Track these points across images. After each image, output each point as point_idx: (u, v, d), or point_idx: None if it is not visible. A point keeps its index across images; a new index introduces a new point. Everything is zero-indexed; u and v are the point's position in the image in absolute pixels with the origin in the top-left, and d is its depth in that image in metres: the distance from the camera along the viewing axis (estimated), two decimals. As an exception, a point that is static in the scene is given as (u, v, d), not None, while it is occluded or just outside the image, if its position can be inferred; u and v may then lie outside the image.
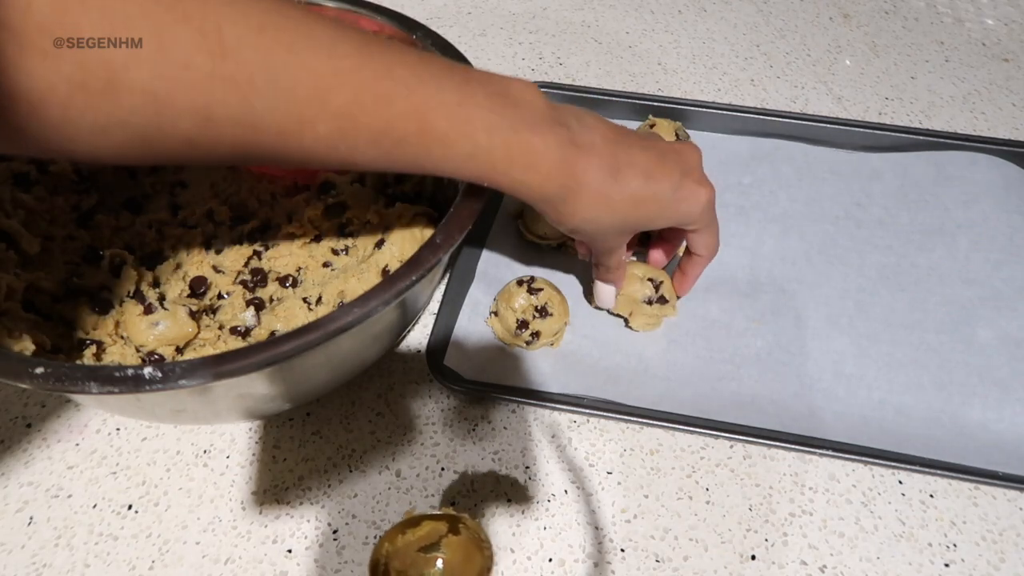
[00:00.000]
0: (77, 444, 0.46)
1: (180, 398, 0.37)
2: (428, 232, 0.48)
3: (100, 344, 0.43)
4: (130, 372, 0.32)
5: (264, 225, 0.51)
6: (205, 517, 0.43)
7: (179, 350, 0.44)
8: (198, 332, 0.44)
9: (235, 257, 0.49)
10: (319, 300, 0.46)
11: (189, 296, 0.47)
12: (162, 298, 0.45)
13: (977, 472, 0.43)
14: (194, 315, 0.45)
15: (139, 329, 0.43)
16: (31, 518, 0.43)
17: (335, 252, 0.49)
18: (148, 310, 0.43)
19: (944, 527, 0.43)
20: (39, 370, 0.32)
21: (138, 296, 0.44)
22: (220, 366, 0.32)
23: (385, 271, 0.46)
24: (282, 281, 0.48)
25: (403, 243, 0.47)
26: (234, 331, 0.46)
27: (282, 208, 0.52)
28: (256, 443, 0.46)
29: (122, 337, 0.43)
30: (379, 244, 0.48)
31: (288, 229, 0.50)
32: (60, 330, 0.42)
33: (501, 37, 0.74)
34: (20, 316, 0.42)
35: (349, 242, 0.49)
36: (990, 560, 0.42)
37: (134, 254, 0.48)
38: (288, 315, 0.45)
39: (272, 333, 0.45)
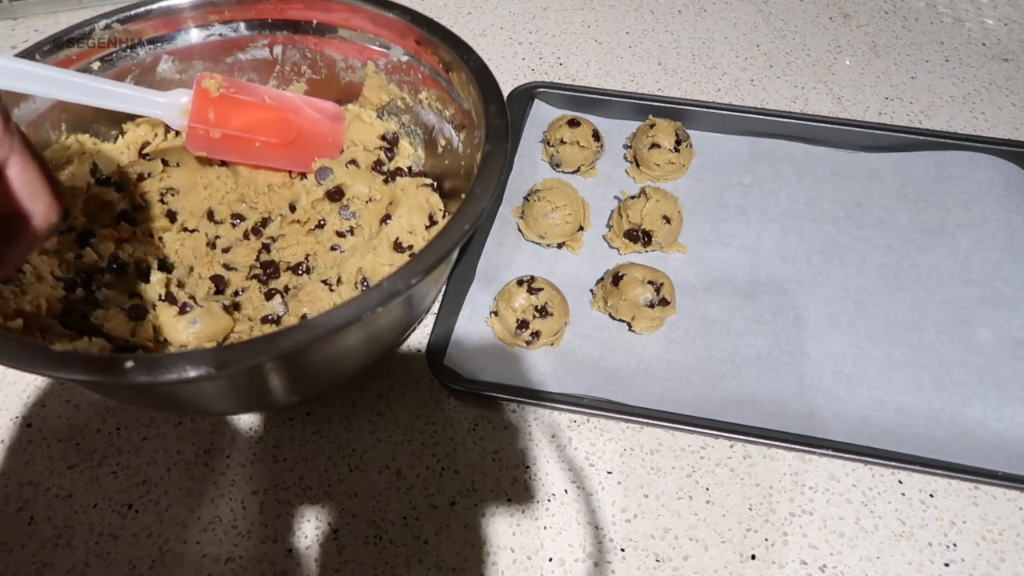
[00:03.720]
0: (77, 444, 0.46)
1: (222, 384, 0.37)
2: (433, 200, 0.49)
3: (145, 350, 0.42)
4: (205, 355, 0.32)
5: (266, 218, 0.51)
6: (205, 517, 0.43)
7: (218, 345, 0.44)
8: (234, 326, 0.45)
9: (244, 253, 0.50)
10: (339, 280, 0.46)
11: (216, 293, 0.47)
12: (192, 297, 0.45)
13: (977, 472, 0.43)
14: (227, 309, 0.45)
15: (177, 329, 0.43)
16: (31, 517, 0.43)
17: (340, 235, 0.50)
18: (183, 310, 0.43)
19: (944, 527, 0.43)
20: (129, 364, 0.32)
21: (169, 298, 0.44)
22: (287, 339, 0.33)
23: (397, 243, 0.47)
24: (294, 269, 0.49)
25: (410, 214, 0.48)
26: (266, 320, 0.46)
27: (282, 199, 0.52)
28: (256, 443, 0.46)
29: (160, 341, 0.43)
30: (385, 219, 0.48)
31: (291, 218, 0.50)
32: (99, 343, 0.42)
33: (501, 37, 0.74)
34: (59, 332, 0.41)
35: (353, 223, 0.50)
36: (990, 560, 0.42)
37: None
38: (312, 299, 0.46)
39: (303, 317, 0.45)
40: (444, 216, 0.49)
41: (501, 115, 0.43)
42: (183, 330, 0.43)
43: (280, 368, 0.38)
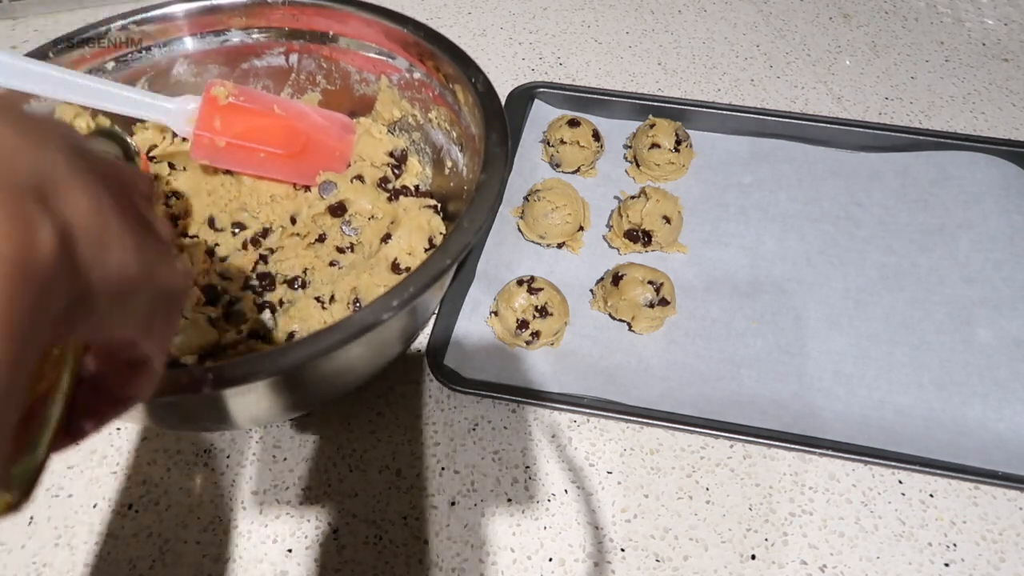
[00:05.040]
0: (77, 443, 0.46)
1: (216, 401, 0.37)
2: (435, 223, 0.48)
3: None
4: (194, 374, 0.32)
5: (267, 229, 0.51)
6: (205, 517, 0.43)
7: (202, 358, 0.44)
8: (219, 339, 0.45)
9: (241, 263, 0.49)
10: (332, 299, 0.46)
11: (205, 304, 0.47)
12: None
13: (977, 472, 0.43)
14: (213, 322, 0.45)
15: None
16: (31, 518, 0.43)
17: (340, 250, 0.49)
18: None
19: (944, 527, 0.43)
20: None
21: None
22: (280, 360, 0.33)
23: (395, 264, 0.47)
24: (290, 283, 0.48)
25: (411, 235, 0.47)
26: (253, 335, 0.46)
27: (283, 210, 0.52)
28: (256, 443, 0.46)
29: None
30: (386, 239, 0.48)
31: (291, 231, 0.50)
32: None
33: (501, 37, 0.74)
34: None
35: (354, 239, 0.50)
36: (990, 560, 0.42)
37: None
38: (303, 315, 0.46)
39: (291, 335, 0.45)
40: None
41: (501, 143, 0.42)
42: None
43: (272, 388, 0.37)
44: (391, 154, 0.53)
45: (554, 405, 0.46)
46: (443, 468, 0.45)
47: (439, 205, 0.50)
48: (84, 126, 0.41)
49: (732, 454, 0.45)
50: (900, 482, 0.44)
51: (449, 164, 0.51)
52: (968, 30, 0.76)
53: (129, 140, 0.37)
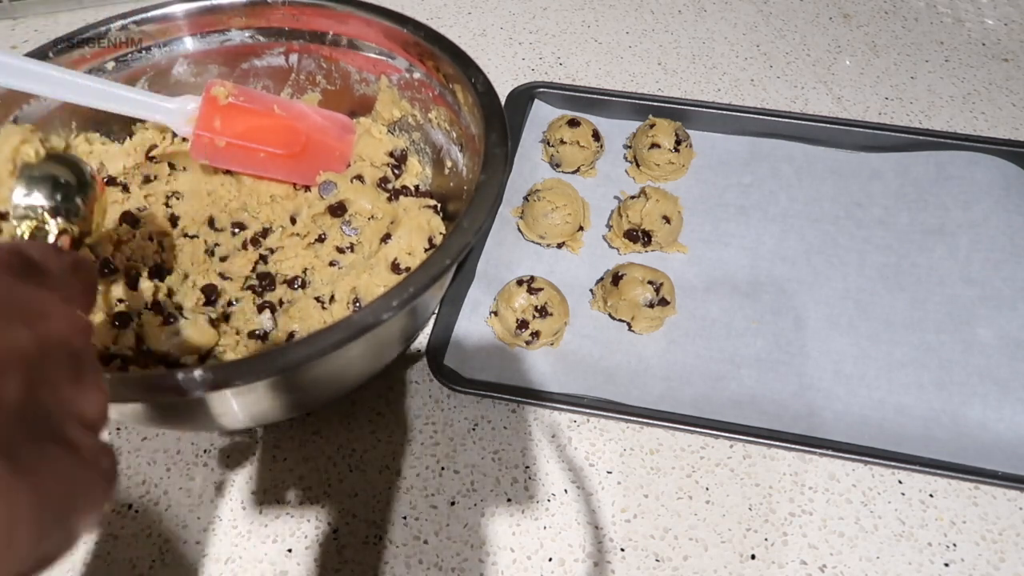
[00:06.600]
0: None
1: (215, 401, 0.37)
2: (435, 223, 0.48)
3: (123, 358, 0.42)
4: (194, 374, 0.32)
5: (267, 229, 0.51)
6: (205, 517, 0.43)
7: (202, 358, 0.44)
8: (219, 339, 0.44)
9: (241, 263, 0.49)
10: (332, 299, 0.46)
11: (205, 304, 0.47)
12: (179, 308, 0.45)
13: (977, 472, 0.43)
14: (213, 322, 0.45)
15: (160, 340, 0.43)
16: (31, 518, 0.43)
17: (340, 250, 0.49)
18: (167, 320, 0.43)
19: (944, 527, 0.43)
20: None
21: (156, 307, 0.44)
22: (279, 360, 0.33)
23: (395, 264, 0.47)
24: (290, 283, 0.48)
25: (411, 235, 0.47)
26: (252, 335, 0.46)
27: (283, 210, 0.52)
28: (256, 443, 0.46)
29: (142, 350, 0.43)
30: (385, 238, 0.48)
31: (291, 231, 0.50)
32: None
33: (501, 37, 0.74)
34: None
35: (354, 239, 0.50)
36: (990, 560, 0.42)
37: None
38: (303, 315, 0.45)
39: (290, 335, 0.45)
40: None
41: (501, 143, 0.42)
42: (165, 340, 0.43)
43: (272, 388, 0.37)
44: (391, 154, 0.53)
45: (554, 405, 0.46)
46: (443, 468, 0.45)
47: (439, 205, 0.50)
48: (32, 153, 0.41)
49: (732, 454, 0.45)
50: (900, 482, 0.44)
51: (449, 164, 0.51)
52: (968, 30, 0.76)
53: (84, 164, 0.35)
